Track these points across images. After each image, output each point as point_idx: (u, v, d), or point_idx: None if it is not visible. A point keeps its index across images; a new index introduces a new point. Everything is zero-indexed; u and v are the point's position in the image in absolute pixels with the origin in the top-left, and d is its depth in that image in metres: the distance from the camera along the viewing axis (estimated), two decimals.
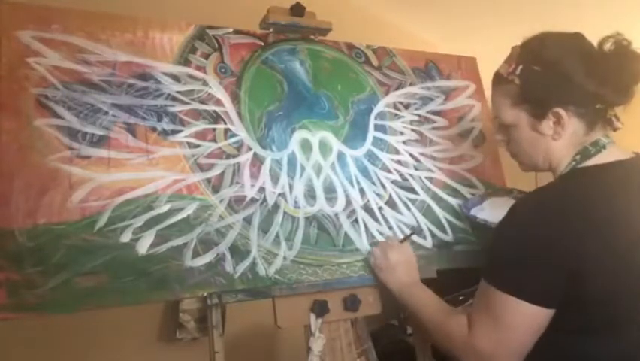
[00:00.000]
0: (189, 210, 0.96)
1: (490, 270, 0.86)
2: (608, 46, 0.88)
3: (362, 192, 1.16)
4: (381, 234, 1.14)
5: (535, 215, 0.83)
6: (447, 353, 0.91)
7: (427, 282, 1.19)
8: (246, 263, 0.98)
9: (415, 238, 1.17)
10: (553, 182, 0.90)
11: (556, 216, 0.81)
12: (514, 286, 0.80)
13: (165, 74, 1.03)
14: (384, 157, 1.22)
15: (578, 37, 0.91)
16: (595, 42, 0.90)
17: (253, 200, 1.03)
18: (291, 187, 1.08)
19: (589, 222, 0.80)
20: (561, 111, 0.88)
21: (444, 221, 1.23)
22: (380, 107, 1.27)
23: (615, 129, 0.92)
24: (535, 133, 0.92)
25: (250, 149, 1.07)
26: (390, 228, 1.16)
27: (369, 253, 1.10)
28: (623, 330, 0.80)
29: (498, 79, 0.97)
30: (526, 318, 0.80)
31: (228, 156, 1.04)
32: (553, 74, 0.89)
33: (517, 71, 0.92)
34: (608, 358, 0.80)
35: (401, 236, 1.15)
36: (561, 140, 0.90)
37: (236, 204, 1.01)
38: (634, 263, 0.80)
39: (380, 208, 1.17)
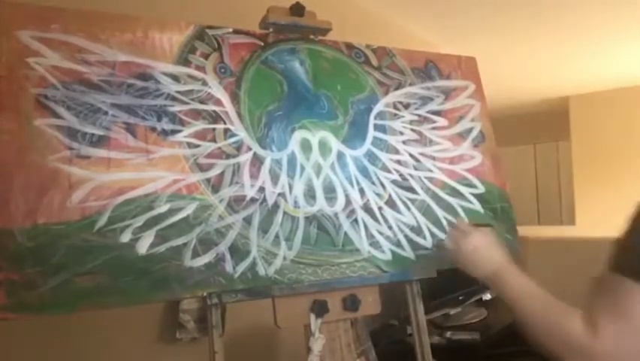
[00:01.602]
0: (189, 210, 0.96)
1: (621, 260, 0.74)
2: None
3: (362, 192, 1.16)
4: (380, 234, 1.14)
5: None
6: (550, 351, 0.79)
7: (427, 282, 1.19)
8: (246, 263, 0.98)
9: (415, 237, 1.17)
10: None
11: None
12: None
13: (165, 74, 1.03)
14: (384, 157, 1.22)
15: None
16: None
17: (253, 200, 1.03)
18: (290, 187, 1.08)
19: None
20: None
21: (444, 221, 1.23)
22: (380, 107, 1.27)
23: None
24: None
25: (250, 149, 1.07)
26: (390, 228, 1.16)
27: (445, 247, 1.06)
28: None
29: None
30: None
31: (228, 156, 1.04)
32: None
33: None
34: None
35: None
36: None
37: (235, 204, 1.01)
38: None
39: (380, 208, 1.17)
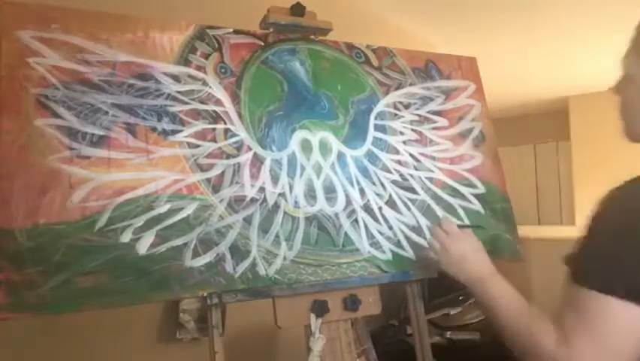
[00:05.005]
0: (189, 210, 0.96)
1: (581, 269, 0.74)
2: None
3: (362, 192, 1.16)
4: (381, 234, 1.14)
5: (627, 205, 0.73)
6: (521, 358, 0.80)
7: (427, 282, 1.19)
8: (246, 263, 0.98)
9: (416, 238, 1.17)
10: None
11: None
12: (609, 284, 0.69)
13: (165, 74, 1.03)
14: (384, 157, 1.22)
15: None
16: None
17: (253, 200, 1.03)
18: (291, 187, 1.08)
19: None
20: None
21: None
22: (380, 107, 1.27)
23: None
24: None
25: (250, 149, 1.07)
26: (391, 228, 1.16)
27: (430, 247, 1.03)
28: None
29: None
30: (624, 320, 0.69)
31: (228, 156, 1.04)
32: None
33: None
34: None
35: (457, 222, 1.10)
36: None
37: (236, 204, 1.01)
38: None
39: (380, 208, 1.17)
